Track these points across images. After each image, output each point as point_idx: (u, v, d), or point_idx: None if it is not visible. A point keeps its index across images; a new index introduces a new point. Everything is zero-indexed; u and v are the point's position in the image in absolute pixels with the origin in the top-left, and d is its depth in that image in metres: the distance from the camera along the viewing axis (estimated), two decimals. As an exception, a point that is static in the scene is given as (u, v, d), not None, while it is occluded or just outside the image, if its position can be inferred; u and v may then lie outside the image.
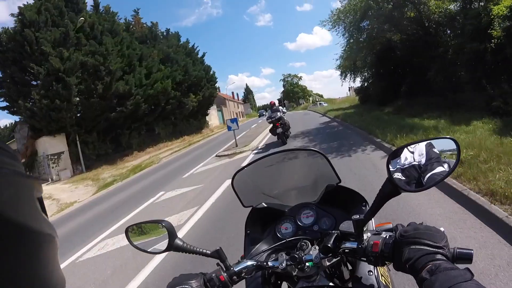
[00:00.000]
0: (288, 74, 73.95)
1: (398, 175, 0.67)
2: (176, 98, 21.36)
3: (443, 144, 0.68)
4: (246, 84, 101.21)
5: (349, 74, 18.02)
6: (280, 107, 9.49)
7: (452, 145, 0.66)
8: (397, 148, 0.69)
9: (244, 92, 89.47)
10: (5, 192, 0.24)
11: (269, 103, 10.10)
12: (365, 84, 18.13)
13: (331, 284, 0.78)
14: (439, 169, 0.65)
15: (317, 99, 57.22)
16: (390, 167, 0.66)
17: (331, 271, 0.86)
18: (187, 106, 23.01)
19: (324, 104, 37.37)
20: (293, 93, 67.21)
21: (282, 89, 68.99)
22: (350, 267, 0.90)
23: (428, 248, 0.55)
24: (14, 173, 0.27)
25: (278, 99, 57.97)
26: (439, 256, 0.53)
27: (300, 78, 71.71)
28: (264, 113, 10.34)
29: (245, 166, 1.06)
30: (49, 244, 0.29)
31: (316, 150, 1.04)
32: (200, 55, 27.66)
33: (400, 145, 0.71)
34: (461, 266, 0.51)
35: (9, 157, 0.27)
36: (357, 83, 19.46)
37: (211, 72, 28.17)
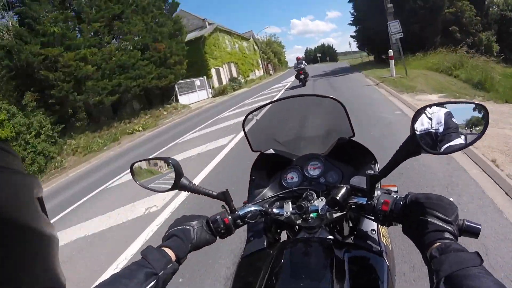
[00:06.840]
0: None
1: (420, 136, 0.61)
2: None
3: (471, 110, 0.62)
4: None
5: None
6: (303, 61, 13.28)
7: (481, 112, 0.60)
8: (422, 107, 0.62)
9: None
10: (4, 192, 0.24)
11: (296, 58, 13.93)
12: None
13: (331, 237, 0.76)
14: (461, 136, 0.60)
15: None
16: (415, 125, 0.59)
17: (332, 226, 0.84)
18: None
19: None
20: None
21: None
22: (350, 224, 0.89)
23: (438, 222, 0.53)
24: (14, 172, 0.26)
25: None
26: (447, 235, 0.52)
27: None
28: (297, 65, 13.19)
29: (258, 108, 0.99)
30: (49, 244, 0.29)
31: (334, 98, 0.90)
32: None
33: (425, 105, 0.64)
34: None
35: (9, 157, 0.27)
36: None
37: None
